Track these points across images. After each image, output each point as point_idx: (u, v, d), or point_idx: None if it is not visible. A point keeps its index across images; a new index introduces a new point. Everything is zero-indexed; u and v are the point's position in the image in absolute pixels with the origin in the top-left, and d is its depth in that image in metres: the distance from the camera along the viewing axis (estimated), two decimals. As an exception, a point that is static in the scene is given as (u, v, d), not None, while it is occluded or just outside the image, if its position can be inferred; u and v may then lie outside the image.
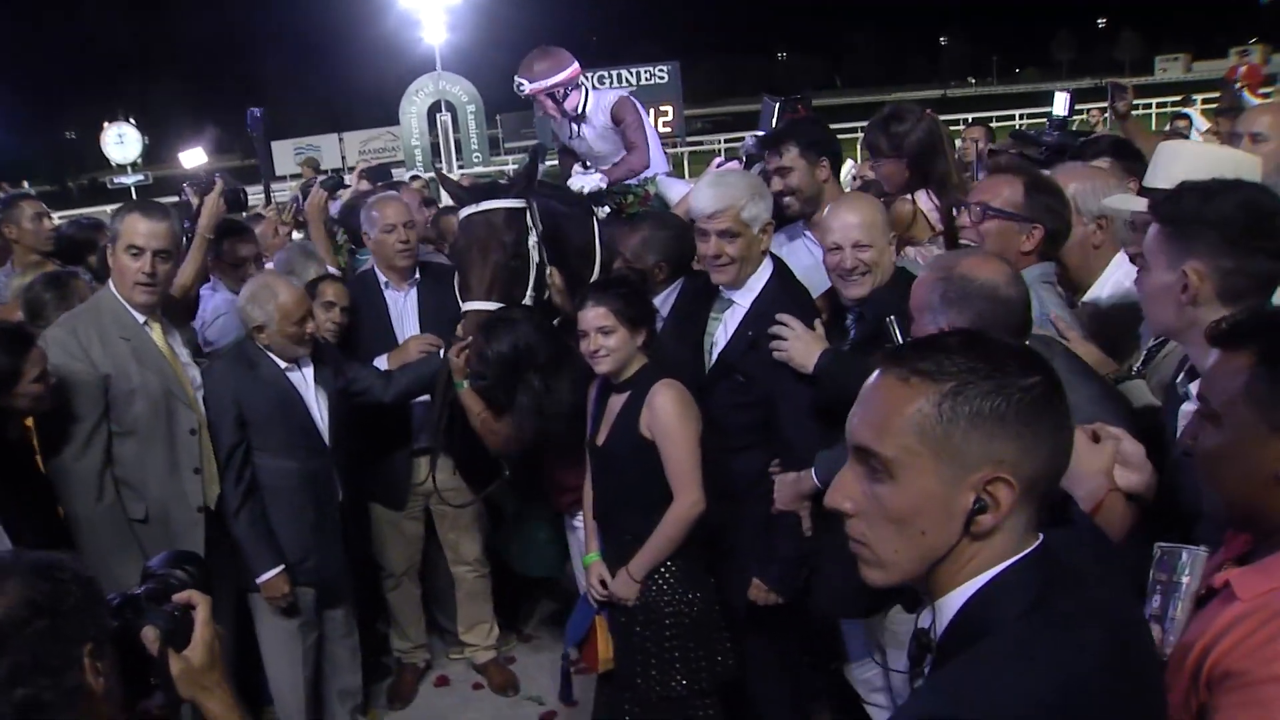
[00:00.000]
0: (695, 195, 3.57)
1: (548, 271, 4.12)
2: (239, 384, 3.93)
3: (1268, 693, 1.42)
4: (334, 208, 6.22)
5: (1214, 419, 1.62)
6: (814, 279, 3.70)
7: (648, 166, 5.12)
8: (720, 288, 3.59)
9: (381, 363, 4.46)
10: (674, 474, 3.47)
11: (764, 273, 3.55)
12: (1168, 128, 12.71)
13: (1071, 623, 1.31)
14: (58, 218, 5.53)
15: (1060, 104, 5.73)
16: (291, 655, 4.17)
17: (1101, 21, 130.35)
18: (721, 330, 3.58)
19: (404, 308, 4.65)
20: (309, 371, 4.09)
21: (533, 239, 4.05)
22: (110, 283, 3.79)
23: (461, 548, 4.84)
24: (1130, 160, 4.24)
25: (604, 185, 4.90)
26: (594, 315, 3.46)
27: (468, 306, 3.99)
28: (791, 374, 3.34)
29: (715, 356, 3.59)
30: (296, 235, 6.13)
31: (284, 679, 4.21)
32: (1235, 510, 1.64)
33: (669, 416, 3.45)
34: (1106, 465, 2.04)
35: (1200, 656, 1.53)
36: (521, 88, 5.17)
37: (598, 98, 5.27)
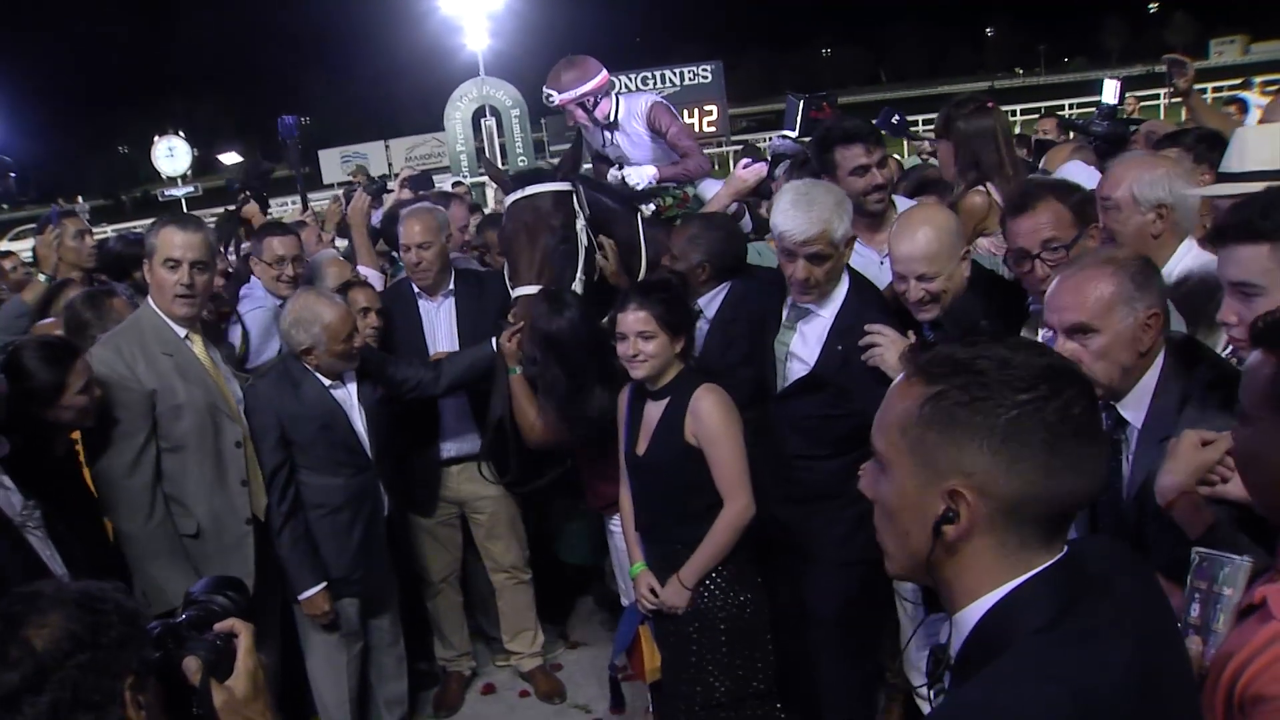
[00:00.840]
0: (782, 217, 3.39)
1: (598, 250, 4.09)
2: (283, 404, 3.93)
3: None
4: (376, 216, 6.25)
5: (1245, 419, 1.59)
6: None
7: (707, 172, 5.09)
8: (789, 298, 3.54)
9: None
10: (724, 479, 3.42)
11: (842, 285, 3.48)
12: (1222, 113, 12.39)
13: (1095, 638, 1.26)
14: (110, 230, 5.59)
15: (1110, 92, 5.61)
16: (336, 667, 4.19)
17: (1153, 6, 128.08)
18: (800, 341, 3.51)
19: (436, 318, 4.63)
20: (352, 388, 4.09)
21: (580, 222, 4.04)
22: (149, 298, 3.80)
23: (498, 554, 4.82)
24: (1215, 150, 4.13)
25: (654, 182, 4.88)
26: (635, 319, 3.42)
27: (518, 292, 3.98)
28: (888, 382, 3.27)
29: (794, 367, 3.52)
30: (340, 242, 6.14)
31: (329, 690, 4.22)
32: (1271, 512, 1.59)
33: (716, 422, 3.41)
34: (1190, 469, 2.03)
35: (1234, 676, 1.48)
36: (551, 98, 5.16)
37: (629, 104, 5.24)
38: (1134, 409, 2.43)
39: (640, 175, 4.93)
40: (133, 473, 3.58)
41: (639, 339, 3.42)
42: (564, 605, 5.45)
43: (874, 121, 5.02)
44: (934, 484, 1.33)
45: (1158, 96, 34.16)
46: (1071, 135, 6.17)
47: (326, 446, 3.99)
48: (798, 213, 3.35)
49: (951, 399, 1.31)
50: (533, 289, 3.93)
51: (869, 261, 3.91)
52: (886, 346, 3.27)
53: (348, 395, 4.07)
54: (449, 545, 4.82)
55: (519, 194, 4.05)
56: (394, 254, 5.56)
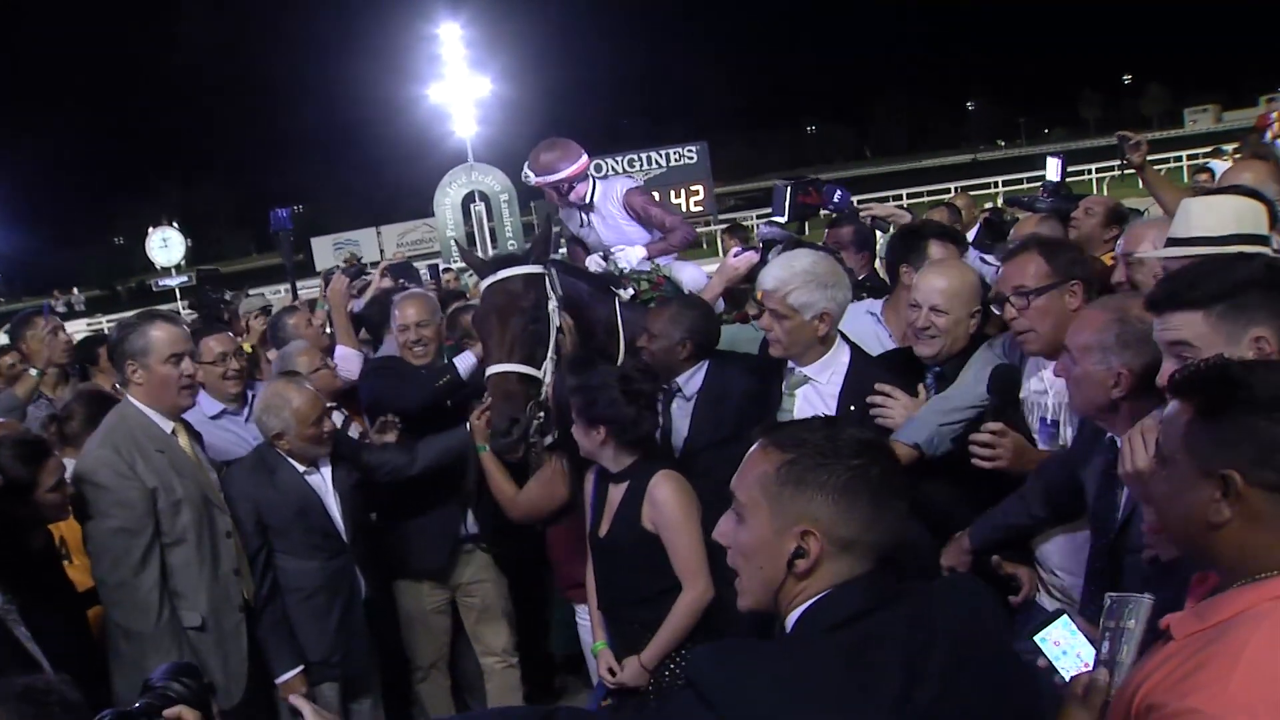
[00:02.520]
0: (763, 271, 3.74)
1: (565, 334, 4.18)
2: (259, 491, 4.00)
3: None
4: (359, 303, 6.34)
5: (1164, 461, 1.72)
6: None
7: (692, 240, 5.20)
8: (790, 364, 3.66)
9: (463, 360, 4.52)
10: (682, 564, 3.46)
11: (840, 354, 3.62)
12: (1193, 181, 12.68)
13: (848, 640, 1.64)
14: (105, 320, 5.66)
15: (1053, 169, 5.82)
16: None
17: (1127, 78, 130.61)
18: (806, 406, 3.60)
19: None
20: (327, 472, 4.16)
21: (552, 303, 4.11)
22: (128, 397, 3.80)
23: (488, 639, 4.80)
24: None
25: (644, 263, 4.98)
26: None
27: (490, 370, 4.04)
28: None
29: None
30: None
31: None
32: (1184, 550, 1.75)
33: (672, 509, 3.46)
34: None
35: (1133, 692, 1.63)
36: (528, 178, 5.27)
37: (605, 187, 5.35)
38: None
39: (630, 256, 5.02)
40: (140, 572, 3.56)
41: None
42: (551, 689, 5.42)
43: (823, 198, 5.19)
44: (788, 528, 1.73)
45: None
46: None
47: (303, 531, 4.03)
48: (771, 267, 3.67)
49: (801, 464, 1.74)
50: (503, 367, 3.99)
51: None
52: (896, 407, 3.47)
53: (322, 480, 4.13)
54: (438, 629, 4.80)
55: (492, 278, 4.13)
56: (373, 342, 5.63)
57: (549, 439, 4.05)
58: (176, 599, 3.67)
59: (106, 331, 5.94)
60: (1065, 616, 1.96)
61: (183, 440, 3.84)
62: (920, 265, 4.15)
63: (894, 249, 4.58)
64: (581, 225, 5.42)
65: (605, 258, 5.15)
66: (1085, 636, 1.90)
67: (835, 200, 5.30)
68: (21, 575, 3.18)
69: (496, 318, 4.05)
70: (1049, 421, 3.28)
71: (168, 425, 3.79)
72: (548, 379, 4.02)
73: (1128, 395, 2.59)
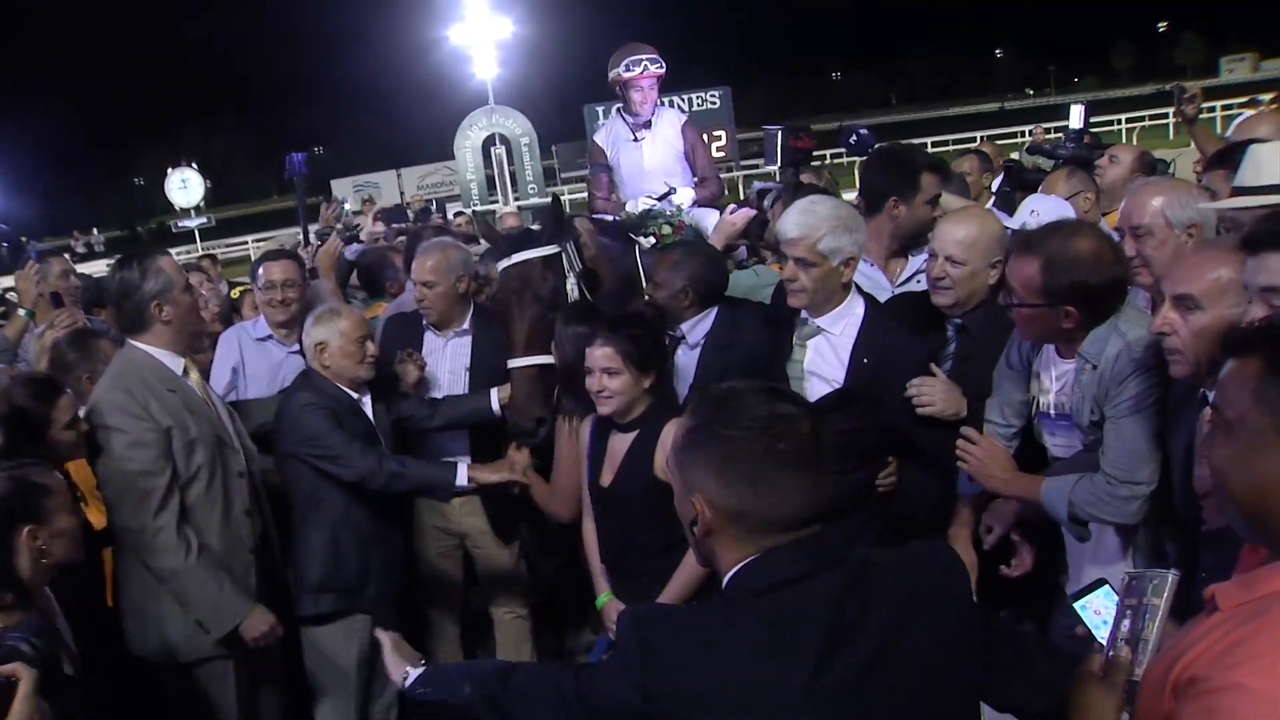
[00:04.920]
0: (781, 219, 3.61)
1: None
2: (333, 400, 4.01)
3: (1223, 701, 1.40)
4: (350, 251, 6.39)
5: (1226, 427, 1.58)
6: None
7: (718, 198, 5.16)
8: (803, 314, 3.57)
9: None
10: None
11: (855, 305, 3.54)
12: (1229, 132, 12.38)
13: (772, 606, 1.66)
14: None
15: (1076, 116, 5.76)
16: (345, 693, 4.15)
17: (1162, 25, 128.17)
18: (817, 359, 3.55)
19: (441, 354, 4.60)
20: (367, 401, 4.15)
21: (570, 280, 4.02)
22: (132, 342, 3.74)
23: (498, 590, 4.80)
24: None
25: (691, 208, 4.98)
26: (601, 355, 3.40)
27: (510, 364, 3.98)
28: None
29: (814, 385, 3.54)
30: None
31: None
32: (1249, 520, 1.58)
33: None
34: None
35: (1172, 663, 1.53)
36: (628, 68, 5.39)
37: (663, 112, 5.54)
38: None
39: (685, 198, 5.06)
40: (160, 513, 3.56)
41: (604, 375, 3.40)
42: (561, 639, 5.42)
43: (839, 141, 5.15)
44: (686, 494, 1.79)
45: (1165, 117, 34.27)
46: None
47: (365, 444, 4.01)
48: (792, 215, 3.52)
49: (698, 432, 1.77)
50: (523, 361, 3.94)
51: (878, 287, 4.00)
52: (933, 393, 3.40)
53: (367, 407, 4.15)
54: (448, 577, 4.80)
55: (507, 261, 4.03)
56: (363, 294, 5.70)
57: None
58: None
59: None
60: (1107, 585, 1.89)
61: (194, 378, 3.82)
62: (911, 199, 4.02)
63: (880, 175, 4.25)
64: (634, 139, 5.40)
65: (663, 197, 5.15)
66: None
67: (855, 140, 5.20)
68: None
69: (514, 305, 3.97)
70: (1054, 417, 3.16)
71: (178, 364, 3.76)
72: None
73: None
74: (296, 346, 4.61)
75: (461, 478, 3.94)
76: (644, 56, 5.39)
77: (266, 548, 3.97)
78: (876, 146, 5.02)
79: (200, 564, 3.59)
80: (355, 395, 4.12)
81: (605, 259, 4.25)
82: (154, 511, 3.55)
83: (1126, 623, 1.75)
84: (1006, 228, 3.71)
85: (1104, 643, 1.77)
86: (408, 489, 4.13)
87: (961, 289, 3.49)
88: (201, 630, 3.64)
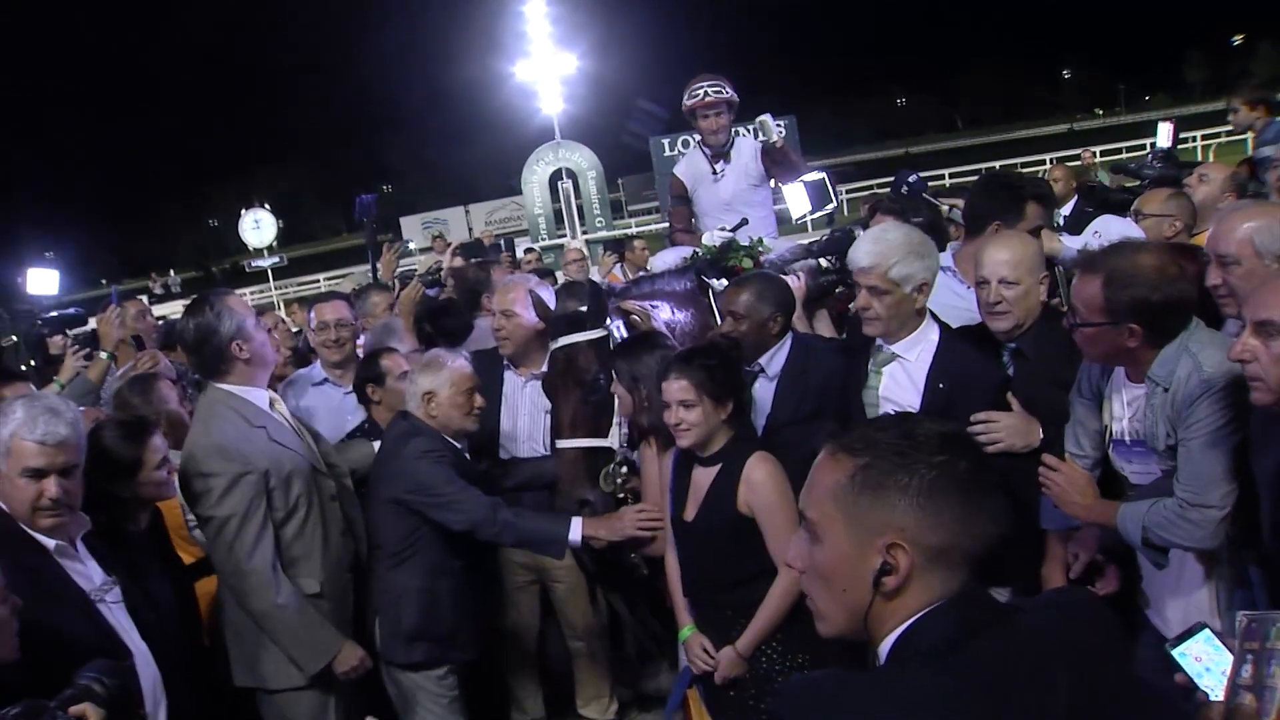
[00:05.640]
0: (854, 248, 3.66)
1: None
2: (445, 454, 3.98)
3: None
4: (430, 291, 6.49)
5: None
6: (949, 316, 3.77)
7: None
8: (878, 340, 3.60)
9: None
10: (778, 547, 3.38)
11: (930, 331, 3.56)
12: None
13: (951, 672, 1.43)
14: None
15: (1164, 135, 5.66)
16: None
17: (1237, 39, 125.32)
18: (892, 385, 3.56)
19: (522, 393, 4.63)
20: (464, 452, 4.16)
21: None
22: (214, 384, 3.80)
23: (576, 621, 4.81)
24: None
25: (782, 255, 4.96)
26: (677, 388, 3.42)
27: (557, 444, 4.05)
28: None
29: (889, 412, 3.50)
30: None
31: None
32: None
33: (771, 491, 3.39)
34: None
35: None
36: (721, 90, 5.50)
37: (741, 142, 5.64)
38: None
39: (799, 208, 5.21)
40: (253, 556, 3.62)
41: (680, 407, 3.41)
42: (640, 669, 5.40)
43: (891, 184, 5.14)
44: (869, 542, 1.53)
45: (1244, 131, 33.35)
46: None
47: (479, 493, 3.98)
48: (864, 243, 3.58)
49: (877, 468, 1.54)
50: (566, 443, 3.99)
51: (973, 309, 3.96)
52: (1003, 427, 3.38)
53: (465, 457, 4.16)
54: (527, 610, 4.83)
55: (554, 345, 4.10)
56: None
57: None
58: (295, 568, 3.75)
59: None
60: (1207, 629, 1.79)
61: (280, 409, 3.90)
62: (1013, 225, 4.02)
63: (986, 200, 4.31)
64: (714, 174, 5.54)
65: (736, 228, 5.14)
66: (1229, 651, 1.72)
67: (907, 188, 5.21)
68: (127, 555, 3.26)
69: (560, 387, 4.04)
70: (1130, 444, 3.10)
71: (264, 399, 3.84)
72: (616, 443, 3.97)
73: None
74: (349, 387, 4.68)
75: (575, 534, 3.84)
76: (704, 84, 5.46)
77: (358, 566, 4.03)
78: (986, 171, 5.04)
79: (292, 605, 3.65)
80: (458, 446, 4.11)
81: (668, 325, 4.29)
82: (247, 554, 3.61)
83: (1248, 668, 1.65)
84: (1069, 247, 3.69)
85: (1207, 691, 1.68)
86: (516, 542, 4.05)
87: (1018, 309, 3.48)
88: (295, 666, 3.70)
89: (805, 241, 4.92)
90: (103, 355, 5.34)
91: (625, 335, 4.08)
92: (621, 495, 3.96)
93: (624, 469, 3.96)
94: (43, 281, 6.31)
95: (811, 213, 4.80)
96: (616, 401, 3.93)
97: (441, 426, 4.02)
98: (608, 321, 4.12)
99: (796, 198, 4.89)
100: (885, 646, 1.55)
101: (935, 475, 1.51)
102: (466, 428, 4.09)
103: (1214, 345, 2.87)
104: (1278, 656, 1.62)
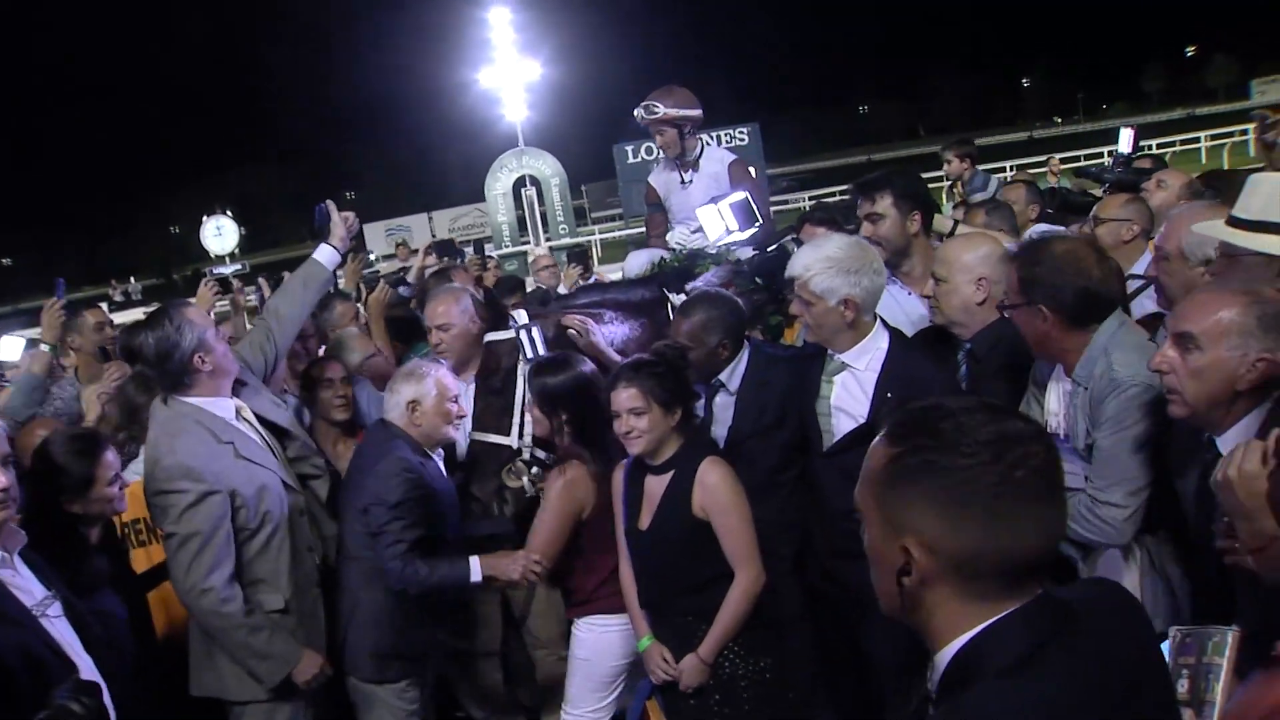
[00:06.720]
0: (795, 255, 3.75)
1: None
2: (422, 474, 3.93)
3: None
4: (406, 290, 6.40)
5: None
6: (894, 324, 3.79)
7: (769, 236, 5.17)
8: (830, 350, 3.62)
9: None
10: (735, 550, 3.43)
11: (879, 339, 3.57)
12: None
13: (1054, 683, 1.34)
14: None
15: (1125, 140, 5.74)
16: None
17: (1190, 50, 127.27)
18: (844, 394, 3.58)
19: (465, 396, 4.49)
20: (440, 461, 4.13)
21: (522, 366, 4.07)
22: (178, 398, 3.73)
23: (537, 630, 4.78)
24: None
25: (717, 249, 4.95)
26: (625, 396, 3.45)
27: (471, 435, 4.17)
28: None
29: (841, 421, 3.58)
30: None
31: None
32: None
33: (725, 493, 3.43)
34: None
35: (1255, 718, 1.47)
36: (654, 110, 5.37)
37: (711, 152, 5.58)
38: (1230, 446, 2.39)
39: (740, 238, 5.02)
40: (211, 575, 3.57)
41: (631, 415, 3.45)
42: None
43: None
44: (893, 538, 1.45)
45: (1197, 141, 34.02)
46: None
47: (436, 522, 3.97)
48: (800, 253, 3.68)
49: (907, 462, 1.43)
50: (478, 436, 4.11)
51: (902, 309, 4.08)
52: None
53: (439, 469, 4.13)
54: (489, 619, 4.79)
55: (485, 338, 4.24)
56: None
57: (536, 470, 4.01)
58: (259, 585, 3.71)
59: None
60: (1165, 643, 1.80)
61: (247, 416, 3.83)
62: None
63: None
64: (682, 183, 5.50)
65: (695, 231, 5.12)
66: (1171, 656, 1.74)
67: None
68: (77, 567, 3.22)
69: (480, 381, 4.15)
70: (1062, 437, 3.15)
71: (229, 410, 3.78)
72: (515, 442, 4.04)
73: (1251, 389, 2.42)
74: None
75: (476, 574, 3.85)
76: (648, 101, 5.40)
77: (329, 578, 4.00)
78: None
79: (246, 621, 3.61)
80: (434, 458, 4.10)
81: (611, 338, 4.30)
82: (205, 573, 3.56)
83: (1184, 683, 1.67)
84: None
85: None
86: (420, 592, 3.90)
87: (945, 305, 3.56)
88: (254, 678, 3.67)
89: (735, 259, 4.88)
90: (44, 348, 5.24)
91: (540, 344, 4.06)
92: (533, 494, 3.98)
93: (534, 469, 3.98)
94: (10, 349, 5.78)
95: (729, 233, 4.69)
96: (518, 400, 4.00)
97: (424, 436, 4.01)
98: (511, 324, 4.16)
99: (711, 220, 4.76)
100: (945, 655, 1.45)
101: (958, 480, 1.39)
102: (449, 436, 4.11)
103: (1133, 349, 2.95)
104: (1215, 671, 1.64)
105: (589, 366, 3.87)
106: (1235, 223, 2.97)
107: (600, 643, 3.89)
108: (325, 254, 4.35)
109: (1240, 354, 2.40)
